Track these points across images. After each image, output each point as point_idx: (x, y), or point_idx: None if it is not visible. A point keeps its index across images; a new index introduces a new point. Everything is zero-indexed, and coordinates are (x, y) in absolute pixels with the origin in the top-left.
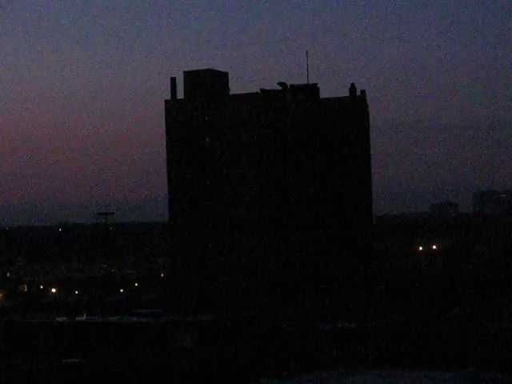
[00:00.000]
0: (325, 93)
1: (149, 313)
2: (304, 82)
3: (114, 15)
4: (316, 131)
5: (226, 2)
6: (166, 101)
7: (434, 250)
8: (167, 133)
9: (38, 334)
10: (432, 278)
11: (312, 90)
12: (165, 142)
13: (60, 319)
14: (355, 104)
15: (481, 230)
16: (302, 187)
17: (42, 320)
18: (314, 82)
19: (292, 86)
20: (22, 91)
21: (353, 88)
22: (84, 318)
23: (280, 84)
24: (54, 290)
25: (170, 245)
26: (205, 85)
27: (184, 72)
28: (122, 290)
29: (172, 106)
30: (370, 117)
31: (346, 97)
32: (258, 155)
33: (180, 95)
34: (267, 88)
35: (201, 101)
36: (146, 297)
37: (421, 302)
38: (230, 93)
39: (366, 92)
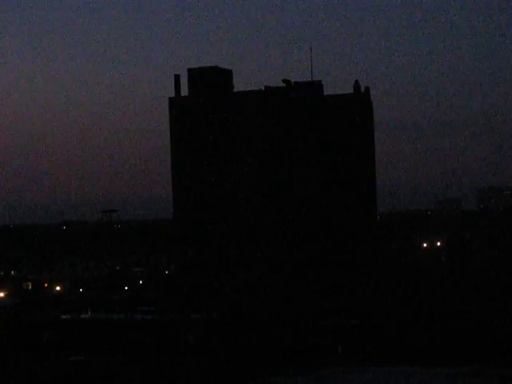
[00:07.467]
0: (329, 89)
1: (153, 310)
2: (308, 78)
3: (118, 12)
4: (320, 127)
5: None
6: (170, 98)
7: (439, 246)
8: (171, 130)
9: (42, 331)
10: (435, 274)
11: (316, 86)
12: (169, 139)
13: (64, 317)
14: (359, 100)
15: (485, 226)
16: (307, 184)
17: (46, 318)
18: (318, 78)
19: (296, 82)
20: (26, 87)
21: (357, 84)
22: (89, 315)
23: (284, 81)
24: (58, 288)
25: (175, 242)
26: (209, 82)
27: (188, 69)
28: (126, 288)
29: (176, 103)
30: (374, 113)
31: (350, 93)
32: (263, 151)
33: (184, 92)
34: (271, 85)
35: (205, 98)
36: (150, 294)
37: (425, 299)
38: (235, 90)
39: (370, 88)
